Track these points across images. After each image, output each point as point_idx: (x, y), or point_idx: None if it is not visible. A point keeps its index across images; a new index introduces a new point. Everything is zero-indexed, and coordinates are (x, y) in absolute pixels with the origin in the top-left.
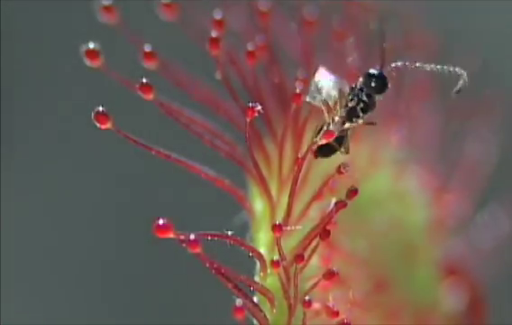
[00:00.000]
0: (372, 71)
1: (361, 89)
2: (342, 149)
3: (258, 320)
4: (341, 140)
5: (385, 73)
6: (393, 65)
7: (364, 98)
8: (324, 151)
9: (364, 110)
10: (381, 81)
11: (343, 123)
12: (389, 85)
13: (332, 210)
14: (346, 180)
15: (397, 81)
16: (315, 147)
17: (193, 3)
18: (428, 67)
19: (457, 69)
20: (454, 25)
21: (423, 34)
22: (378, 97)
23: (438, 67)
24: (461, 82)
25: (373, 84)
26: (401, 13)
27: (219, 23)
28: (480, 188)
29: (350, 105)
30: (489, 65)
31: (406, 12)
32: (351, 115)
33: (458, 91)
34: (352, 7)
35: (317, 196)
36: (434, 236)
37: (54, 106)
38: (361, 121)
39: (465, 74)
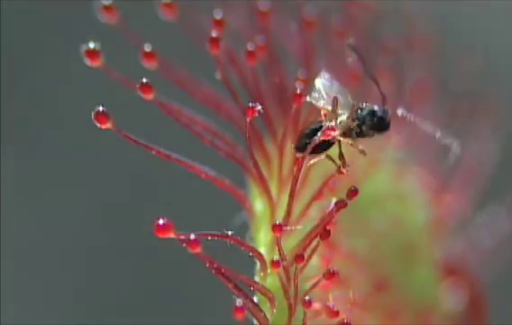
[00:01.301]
0: (379, 113)
1: (365, 120)
2: (339, 162)
3: (258, 320)
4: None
5: (389, 115)
6: (399, 112)
7: (364, 129)
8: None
9: (359, 135)
10: (384, 124)
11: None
12: (390, 128)
13: (332, 210)
14: (346, 180)
15: (398, 82)
16: (313, 145)
17: (193, 3)
18: (426, 127)
19: (450, 141)
20: (454, 25)
21: (423, 34)
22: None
23: (436, 133)
24: (452, 153)
25: (376, 123)
26: (401, 13)
27: (219, 23)
28: (480, 188)
29: (350, 125)
30: (489, 65)
31: (406, 12)
32: (346, 132)
33: (450, 161)
34: (351, 7)
35: (317, 196)
36: (433, 236)
37: (54, 106)
38: (352, 141)
39: (456, 145)
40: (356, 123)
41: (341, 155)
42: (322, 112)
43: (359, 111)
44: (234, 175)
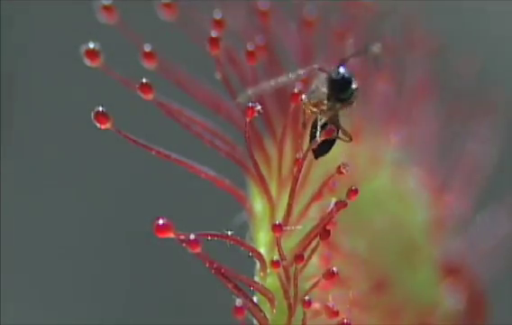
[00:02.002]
0: (331, 82)
1: (333, 94)
2: (346, 138)
3: (258, 320)
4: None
5: (336, 72)
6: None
7: (340, 99)
8: (323, 147)
9: (345, 105)
10: (341, 82)
11: (332, 116)
12: (351, 81)
13: (332, 210)
14: (346, 180)
15: (398, 82)
16: (315, 146)
17: (193, 3)
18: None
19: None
20: (454, 25)
21: (423, 34)
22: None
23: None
24: (369, 50)
25: (338, 89)
26: (401, 13)
27: (219, 23)
28: (480, 188)
29: (332, 107)
30: (489, 65)
31: (406, 12)
32: (336, 113)
33: (375, 58)
34: (351, 7)
35: (317, 196)
36: (434, 236)
37: (54, 106)
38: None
39: (378, 46)
40: (332, 101)
41: (344, 131)
42: (307, 111)
43: (326, 93)
44: (234, 175)
